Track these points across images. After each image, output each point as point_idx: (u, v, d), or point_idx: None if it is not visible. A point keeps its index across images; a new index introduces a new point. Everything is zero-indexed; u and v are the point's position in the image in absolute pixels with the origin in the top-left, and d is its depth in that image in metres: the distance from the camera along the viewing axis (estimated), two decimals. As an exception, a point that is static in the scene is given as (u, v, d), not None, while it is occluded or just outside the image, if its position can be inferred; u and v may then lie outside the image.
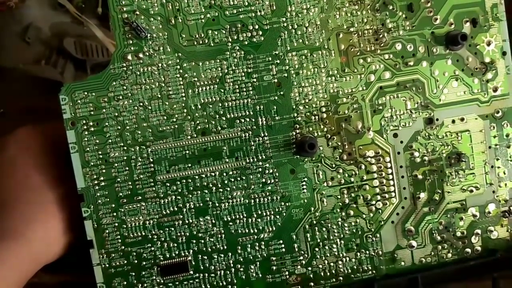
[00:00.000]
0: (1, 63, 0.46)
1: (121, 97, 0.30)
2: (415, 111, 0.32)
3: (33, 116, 0.44)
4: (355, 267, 0.33)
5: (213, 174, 0.31)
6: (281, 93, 0.31)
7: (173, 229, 0.31)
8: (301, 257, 0.32)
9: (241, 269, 0.32)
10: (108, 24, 0.46)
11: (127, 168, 0.31)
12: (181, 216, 0.31)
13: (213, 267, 0.32)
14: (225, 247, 0.32)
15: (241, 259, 0.32)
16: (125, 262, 0.31)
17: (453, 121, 0.33)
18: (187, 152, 0.31)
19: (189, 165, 0.31)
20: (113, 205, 0.31)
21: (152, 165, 0.31)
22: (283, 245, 0.32)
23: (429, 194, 0.33)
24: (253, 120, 0.31)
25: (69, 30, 0.47)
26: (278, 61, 0.31)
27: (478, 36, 0.32)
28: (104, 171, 0.31)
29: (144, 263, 0.31)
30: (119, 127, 0.31)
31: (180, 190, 0.31)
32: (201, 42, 0.31)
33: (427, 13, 0.32)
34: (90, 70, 0.48)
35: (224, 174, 0.31)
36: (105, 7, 0.46)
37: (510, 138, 0.33)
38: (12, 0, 0.46)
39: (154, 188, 0.31)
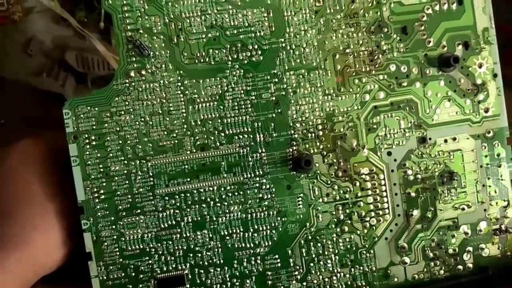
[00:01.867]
0: (3, 74, 0.47)
1: (123, 112, 0.31)
2: (408, 130, 0.33)
3: (34, 127, 0.44)
4: (349, 282, 0.33)
5: (211, 188, 0.32)
6: (279, 110, 0.32)
7: (170, 242, 0.32)
8: (296, 272, 0.33)
9: (237, 283, 0.32)
10: (110, 38, 0.48)
11: (127, 182, 0.31)
12: (179, 230, 0.32)
13: (209, 281, 0.32)
14: (222, 261, 0.32)
15: (237, 273, 0.32)
16: (123, 274, 0.31)
17: (446, 141, 0.34)
18: (186, 166, 0.32)
19: (188, 179, 0.32)
20: (113, 218, 0.31)
21: (151, 179, 0.31)
22: (278, 260, 0.32)
23: (422, 211, 0.33)
24: (251, 136, 0.32)
25: (71, 43, 0.48)
26: (276, 80, 0.32)
27: (470, 58, 0.34)
28: (104, 184, 0.31)
29: (142, 276, 0.32)
30: (120, 142, 0.31)
31: (178, 204, 0.32)
32: (202, 60, 0.32)
33: (420, 36, 0.33)
34: (90, 83, 0.49)
35: (222, 189, 0.32)
36: (107, 22, 0.47)
37: (501, 157, 0.34)
38: (16, 14, 0.47)
39: (153, 202, 0.31)
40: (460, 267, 0.34)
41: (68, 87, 0.48)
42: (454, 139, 0.34)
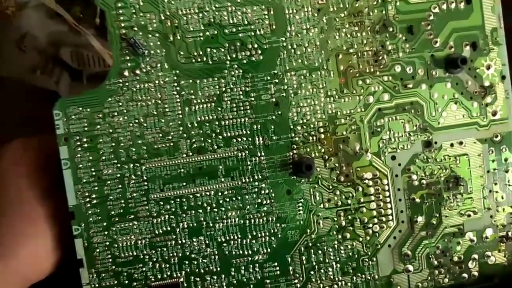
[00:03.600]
0: (-5, 70, 0.45)
1: (116, 114, 0.30)
2: (413, 134, 0.32)
3: (27, 126, 0.43)
4: (350, 291, 0.32)
5: (208, 193, 0.31)
6: (279, 112, 0.31)
7: (165, 249, 0.30)
8: (296, 280, 0.32)
9: (234, 291, 0.31)
10: (106, 34, 0.46)
11: (120, 186, 0.30)
12: (174, 236, 0.31)
13: (205, 289, 0.31)
14: (219, 268, 0.31)
15: (235, 282, 0.31)
16: (115, 282, 0.30)
17: (452, 145, 0.32)
18: (182, 170, 0.30)
19: (184, 184, 0.30)
20: (105, 224, 0.30)
21: (145, 183, 0.30)
22: (277, 268, 0.31)
23: (427, 218, 0.32)
24: (250, 139, 0.31)
25: (66, 39, 0.46)
26: (277, 81, 0.31)
27: (477, 59, 0.32)
28: (96, 188, 0.30)
29: (135, 283, 0.30)
30: (113, 144, 0.30)
31: (173, 209, 0.30)
32: (199, 59, 0.30)
33: (427, 36, 0.32)
34: (86, 80, 0.47)
35: (219, 193, 0.31)
36: (103, 18, 0.45)
37: (509, 162, 0.33)
38: (10, 9, 0.46)
39: (147, 207, 0.30)
40: (465, 275, 0.33)
41: (62, 84, 0.47)
42: (461, 143, 0.32)
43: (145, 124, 0.30)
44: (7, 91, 0.46)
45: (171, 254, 0.31)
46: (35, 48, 0.46)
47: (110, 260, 0.30)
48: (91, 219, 0.30)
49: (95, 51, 0.46)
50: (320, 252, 0.32)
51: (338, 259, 0.32)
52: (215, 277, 0.31)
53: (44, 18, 0.46)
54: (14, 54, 0.46)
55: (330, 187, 0.32)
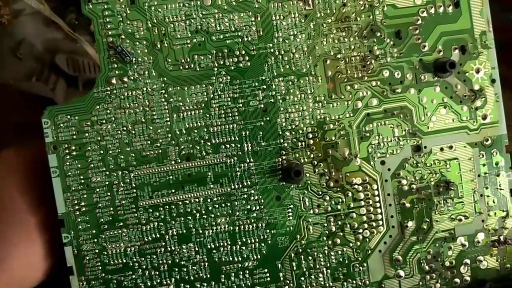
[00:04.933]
0: (-9, 78, 0.46)
1: (104, 121, 0.30)
2: (402, 139, 0.32)
3: (23, 133, 0.43)
4: (341, 297, 0.32)
5: (197, 200, 0.31)
6: (267, 118, 0.31)
7: (154, 256, 0.30)
8: (287, 287, 0.31)
9: (225, 298, 0.31)
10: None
11: (109, 194, 0.30)
12: (163, 243, 0.30)
13: (195, 296, 0.31)
14: (208, 275, 0.31)
15: (225, 288, 0.31)
16: (105, 290, 0.30)
17: (442, 149, 0.32)
18: (171, 177, 0.30)
19: (173, 190, 0.30)
20: (94, 231, 0.30)
21: (134, 191, 0.30)
22: (268, 274, 0.31)
23: (417, 222, 0.32)
24: (239, 145, 0.31)
25: (61, 46, 0.47)
26: (265, 87, 0.31)
27: (467, 63, 0.32)
28: (85, 196, 0.30)
29: (125, 291, 0.30)
30: (102, 152, 0.30)
31: (162, 217, 0.30)
32: (187, 66, 0.30)
33: (415, 40, 0.32)
34: (82, 87, 0.48)
35: (208, 200, 0.31)
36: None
37: (500, 166, 0.33)
38: (5, 17, 0.46)
39: (136, 214, 0.30)
40: (457, 280, 0.33)
41: (58, 91, 0.47)
42: (451, 147, 0.32)
43: (133, 132, 0.30)
44: (3, 98, 0.46)
45: (160, 262, 0.31)
46: (31, 55, 0.46)
47: (100, 267, 0.30)
48: (80, 226, 0.30)
49: (90, 57, 0.46)
50: (310, 258, 0.32)
51: (328, 264, 0.32)
52: (205, 284, 0.31)
53: (39, 25, 0.47)
54: (10, 61, 0.46)
55: (320, 192, 0.32)
